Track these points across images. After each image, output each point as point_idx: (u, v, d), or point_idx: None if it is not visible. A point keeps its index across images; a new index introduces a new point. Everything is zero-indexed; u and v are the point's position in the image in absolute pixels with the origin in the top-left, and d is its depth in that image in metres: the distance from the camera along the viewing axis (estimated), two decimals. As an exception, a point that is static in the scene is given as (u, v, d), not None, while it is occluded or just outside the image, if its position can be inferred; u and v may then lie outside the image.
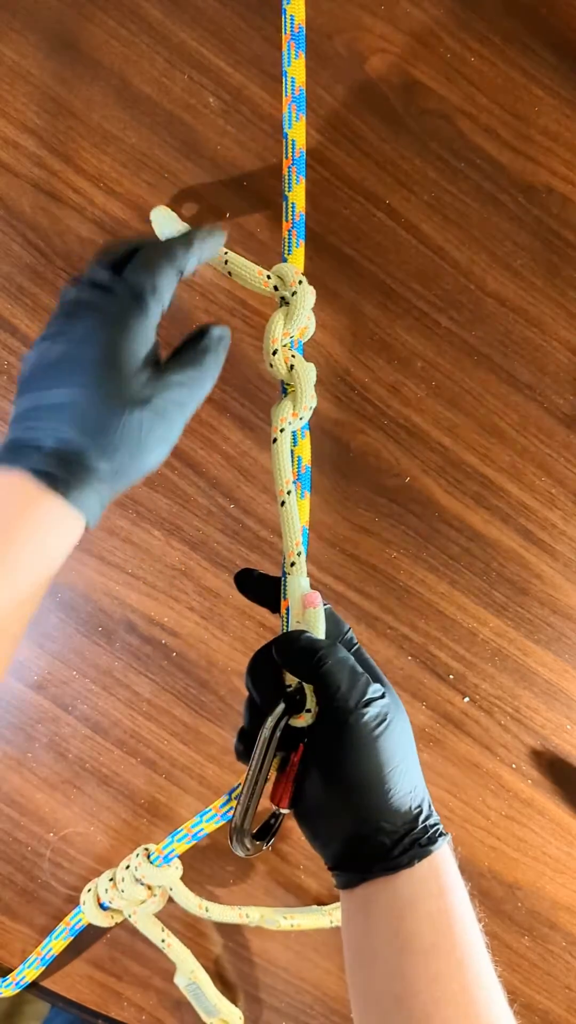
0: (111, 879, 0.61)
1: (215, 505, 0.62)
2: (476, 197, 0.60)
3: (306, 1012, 0.66)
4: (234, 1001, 0.65)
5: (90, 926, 0.63)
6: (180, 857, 0.60)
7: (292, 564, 0.44)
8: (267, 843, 0.44)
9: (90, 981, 0.66)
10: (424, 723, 0.63)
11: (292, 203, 0.46)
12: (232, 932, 0.65)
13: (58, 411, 0.39)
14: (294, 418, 0.45)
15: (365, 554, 0.62)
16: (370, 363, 0.61)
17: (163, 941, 0.62)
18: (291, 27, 0.46)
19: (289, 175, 0.46)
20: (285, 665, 0.42)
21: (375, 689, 0.40)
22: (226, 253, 0.47)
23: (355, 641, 0.45)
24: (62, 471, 0.38)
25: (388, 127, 0.60)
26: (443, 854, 0.39)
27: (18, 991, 0.65)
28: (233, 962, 0.66)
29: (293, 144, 0.46)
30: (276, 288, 0.46)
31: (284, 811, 0.43)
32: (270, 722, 0.41)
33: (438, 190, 0.60)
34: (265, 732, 0.41)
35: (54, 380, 0.39)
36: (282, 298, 0.46)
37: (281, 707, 0.42)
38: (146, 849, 0.60)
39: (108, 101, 0.61)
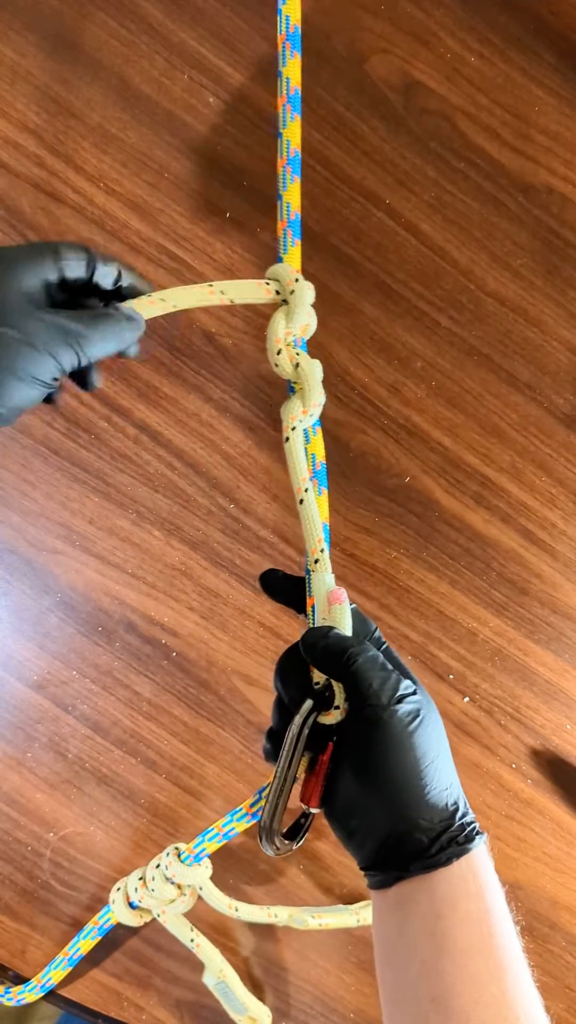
0: (141, 878, 0.61)
1: (215, 505, 0.62)
2: (476, 197, 0.60)
3: (305, 1012, 0.66)
4: (261, 1000, 0.65)
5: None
6: (210, 857, 0.60)
7: (316, 561, 0.44)
8: (297, 842, 0.43)
9: (90, 981, 0.66)
10: (424, 723, 0.63)
11: (287, 203, 0.46)
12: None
13: None
14: (304, 415, 0.45)
15: (365, 554, 0.62)
16: (370, 363, 0.62)
17: (192, 941, 0.62)
18: (287, 27, 0.46)
19: (284, 175, 0.46)
20: (313, 662, 0.42)
21: (407, 686, 0.40)
22: (211, 285, 0.46)
23: (383, 639, 0.44)
24: None
25: (388, 127, 0.60)
26: (480, 853, 0.38)
27: (43, 994, 0.64)
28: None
29: (288, 144, 0.46)
30: (278, 292, 0.46)
31: (314, 811, 0.43)
32: (298, 719, 0.41)
33: (438, 190, 0.60)
34: (293, 729, 0.41)
35: None
36: (283, 299, 0.46)
37: (309, 703, 0.41)
38: (176, 848, 0.59)
39: (108, 101, 0.61)
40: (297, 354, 0.46)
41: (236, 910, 0.62)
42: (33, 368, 0.39)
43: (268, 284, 0.46)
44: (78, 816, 0.65)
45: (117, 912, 0.61)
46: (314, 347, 0.61)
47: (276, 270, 0.46)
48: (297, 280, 0.45)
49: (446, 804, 0.39)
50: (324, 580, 0.44)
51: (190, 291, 0.46)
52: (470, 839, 0.38)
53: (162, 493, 0.63)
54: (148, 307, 0.46)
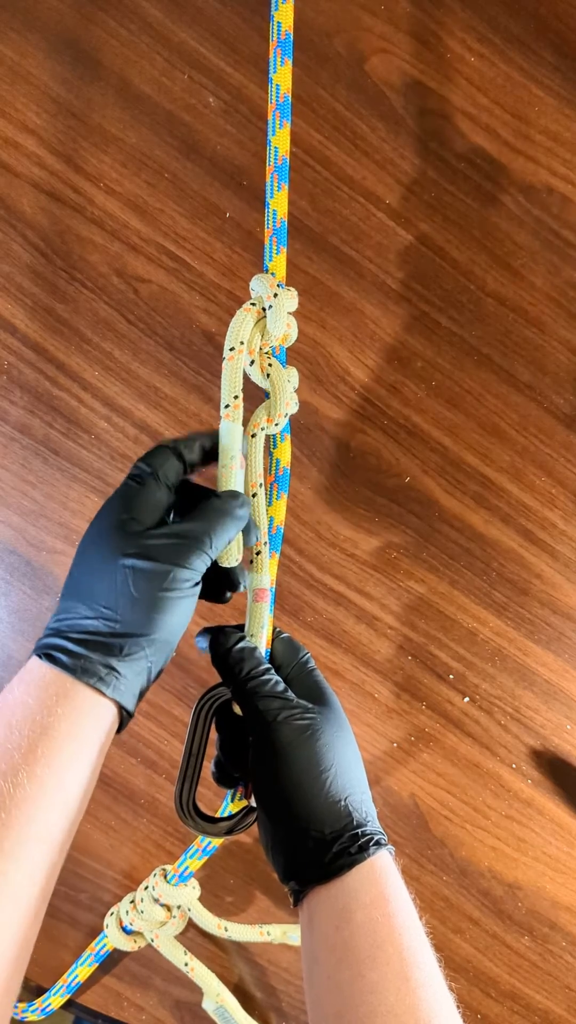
0: (131, 901, 0.61)
1: (215, 505, 0.62)
2: (476, 197, 0.60)
3: (305, 1012, 0.66)
4: (263, 1018, 0.64)
5: (90, 928, 0.63)
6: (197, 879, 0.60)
7: (258, 553, 0.45)
8: (229, 828, 0.44)
9: (90, 982, 0.66)
10: (424, 723, 0.63)
11: (274, 210, 0.46)
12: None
13: (68, 591, 0.40)
14: (268, 424, 0.46)
15: (365, 554, 0.62)
16: (370, 363, 0.62)
17: (186, 965, 0.62)
18: (278, 33, 0.46)
19: (271, 182, 0.46)
20: (214, 660, 0.44)
21: (296, 705, 0.41)
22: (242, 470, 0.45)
23: (311, 666, 0.46)
24: (70, 656, 0.38)
25: (388, 127, 0.60)
26: (380, 862, 0.39)
27: (43, 1017, 0.64)
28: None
29: (276, 151, 0.46)
30: (253, 304, 0.46)
31: (255, 804, 0.44)
32: (203, 697, 0.44)
33: (438, 190, 0.60)
34: (196, 706, 0.44)
35: (72, 566, 0.41)
36: (263, 309, 0.46)
37: (221, 689, 0.44)
38: (163, 869, 0.60)
39: (108, 101, 0.61)
40: (269, 364, 0.46)
41: (226, 930, 0.62)
42: (181, 585, 0.39)
43: (253, 305, 0.45)
44: (78, 816, 0.65)
45: (111, 938, 0.61)
46: (314, 347, 0.61)
47: (257, 284, 0.46)
48: (276, 295, 0.45)
49: (339, 815, 0.39)
50: (257, 578, 0.45)
51: (227, 434, 0.44)
52: (364, 849, 0.38)
53: (162, 493, 0.63)
54: (241, 470, 0.44)
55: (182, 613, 0.39)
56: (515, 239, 0.61)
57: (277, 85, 0.46)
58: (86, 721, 0.37)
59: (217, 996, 0.62)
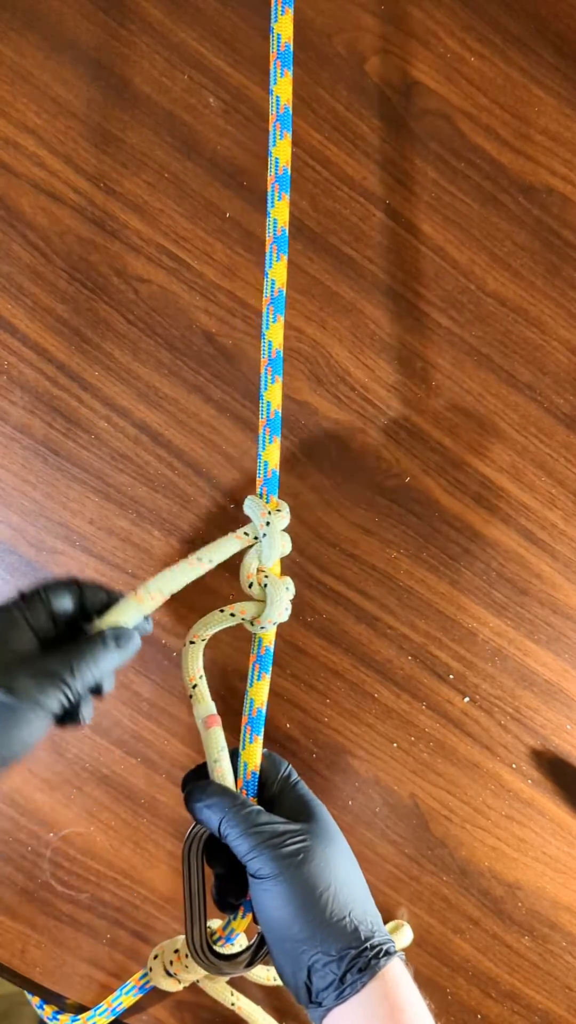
0: (176, 950, 0.59)
1: (215, 505, 0.62)
2: (476, 197, 0.60)
3: None
4: None
5: (90, 928, 0.63)
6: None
7: (194, 686, 0.47)
8: (249, 963, 0.44)
9: (89, 981, 0.66)
10: (424, 723, 0.63)
11: (275, 219, 0.46)
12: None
13: None
14: (255, 625, 0.47)
15: (365, 554, 0.62)
16: (370, 363, 0.62)
17: (233, 1004, 0.61)
18: (278, 45, 0.46)
19: (272, 192, 0.46)
20: (190, 813, 0.44)
21: (280, 831, 0.41)
22: (198, 559, 0.46)
23: (294, 779, 0.46)
24: None
25: (388, 127, 0.60)
26: (392, 972, 0.38)
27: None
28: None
29: (277, 162, 0.46)
30: (246, 533, 0.47)
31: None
32: (188, 837, 0.44)
33: (438, 190, 0.60)
34: (184, 847, 0.43)
35: None
36: (255, 538, 0.46)
37: (200, 828, 0.44)
38: (209, 928, 0.58)
39: (108, 101, 0.61)
40: (266, 576, 0.46)
41: (274, 979, 0.60)
42: (20, 726, 0.39)
43: (246, 534, 0.46)
44: (78, 816, 0.65)
45: (155, 980, 0.58)
46: (314, 347, 0.61)
47: (249, 507, 0.46)
48: (268, 523, 0.45)
49: (346, 932, 0.39)
50: (201, 707, 0.46)
51: (177, 572, 0.46)
52: (375, 962, 0.38)
53: (162, 493, 0.63)
54: (140, 606, 0.45)
55: (28, 742, 0.39)
56: (515, 239, 0.61)
57: (277, 97, 0.46)
58: None
59: None
